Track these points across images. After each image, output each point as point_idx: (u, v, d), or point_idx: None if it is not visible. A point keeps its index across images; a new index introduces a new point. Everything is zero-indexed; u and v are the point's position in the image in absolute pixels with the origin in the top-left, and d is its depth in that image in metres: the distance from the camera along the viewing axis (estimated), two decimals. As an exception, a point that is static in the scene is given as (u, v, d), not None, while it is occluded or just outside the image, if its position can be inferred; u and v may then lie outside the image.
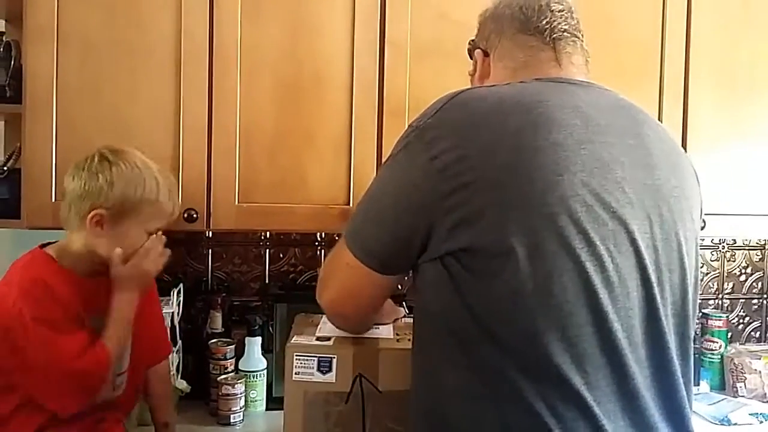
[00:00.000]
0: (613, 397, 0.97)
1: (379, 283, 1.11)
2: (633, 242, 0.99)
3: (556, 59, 1.14)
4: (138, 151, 1.43)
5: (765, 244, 2.44)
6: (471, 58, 1.27)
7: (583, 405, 0.95)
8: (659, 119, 1.87)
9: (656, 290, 1.01)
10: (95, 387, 1.35)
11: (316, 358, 1.32)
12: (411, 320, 1.68)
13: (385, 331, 1.44)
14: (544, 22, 1.14)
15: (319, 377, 1.31)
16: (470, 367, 0.99)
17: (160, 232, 1.44)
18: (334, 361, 1.32)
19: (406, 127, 1.06)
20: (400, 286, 2.06)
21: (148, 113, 1.66)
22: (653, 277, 1.01)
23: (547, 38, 1.14)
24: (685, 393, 1.05)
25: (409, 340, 1.33)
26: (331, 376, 1.31)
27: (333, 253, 1.18)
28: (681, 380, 1.04)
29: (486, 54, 1.20)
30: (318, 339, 1.37)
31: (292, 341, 1.35)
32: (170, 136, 1.67)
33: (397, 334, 1.43)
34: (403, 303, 2.02)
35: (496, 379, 0.97)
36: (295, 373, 1.31)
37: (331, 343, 1.35)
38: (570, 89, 1.07)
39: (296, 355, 1.31)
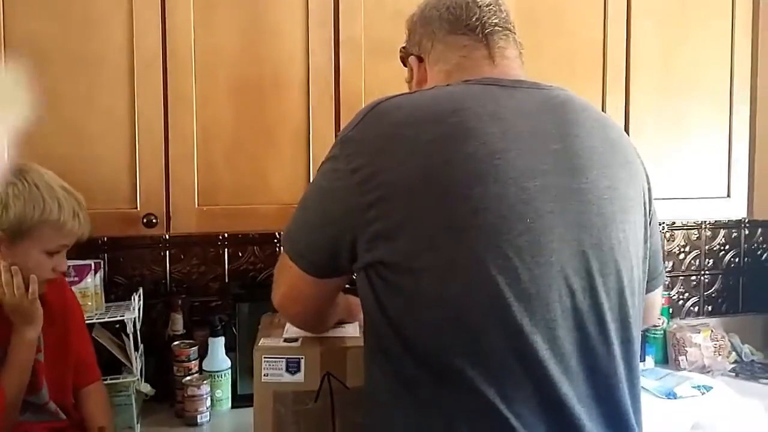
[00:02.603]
0: (536, 409, 0.96)
1: (315, 284, 1.11)
2: (553, 251, 0.97)
3: (490, 56, 1.13)
4: (44, 169, 1.39)
5: (701, 224, 2.57)
6: (405, 65, 1.26)
7: (499, 417, 0.94)
8: (603, 109, 1.93)
9: (582, 298, 0.99)
10: None
11: (284, 360, 1.33)
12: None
13: (351, 329, 1.46)
14: (473, 18, 1.13)
15: (288, 378, 1.33)
16: (394, 375, 1.01)
17: (12, 264, 1.36)
18: (302, 361, 1.33)
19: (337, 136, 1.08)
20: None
21: (104, 121, 1.64)
22: (578, 286, 0.98)
23: (479, 35, 1.13)
24: (628, 399, 1.04)
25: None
26: (299, 376, 1.33)
27: (280, 257, 1.18)
28: (623, 387, 1.03)
29: (420, 59, 1.19)
30: (285, 340, 1.38)
31: (259, 343, 1.36)
32: (126, 143, 1.64)
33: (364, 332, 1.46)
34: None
35: (417, 388, 0.98)
36: (264, 375, 1.32)
37: (298, 344, 1.36)
38: (494, 93, 1.04)
39: (264, 357, 1.33)
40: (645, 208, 1.11)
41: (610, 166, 1.05)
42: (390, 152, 0.97)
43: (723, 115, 2.09)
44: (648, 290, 1.17)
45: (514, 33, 1.17)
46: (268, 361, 1.32)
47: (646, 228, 1.11)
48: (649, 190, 1.15)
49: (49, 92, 1.61)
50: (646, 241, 1.11)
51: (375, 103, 1.04)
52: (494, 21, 1.14)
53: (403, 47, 1.26)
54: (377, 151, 0.98)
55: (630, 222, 1.06)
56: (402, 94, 1.07)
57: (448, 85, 1.09)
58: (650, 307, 1.24)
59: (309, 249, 1.08)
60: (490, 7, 1.14)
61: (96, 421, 1.54)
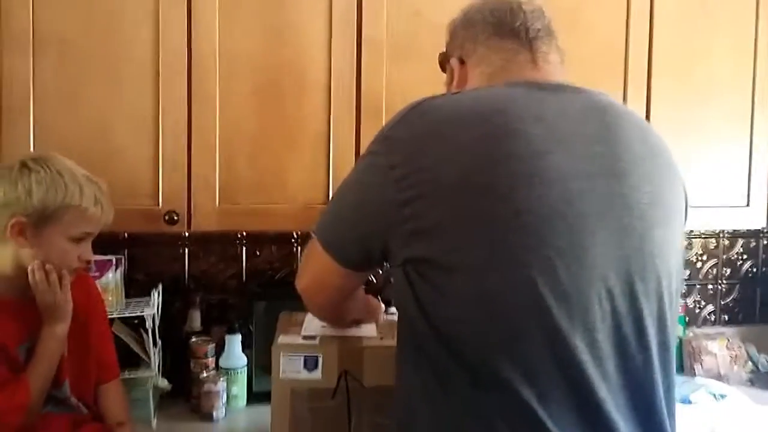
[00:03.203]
0: (573, 412, 0.95)
1: (343, 275, 1.13)
2: (594, 254, 0.96)
3: (533, 60, 1.12)
4: (64, 158, 1.41)
5: (719, 233, 2.55)
6: (443, 70, 1.26)
7: (534, 419, 0.94)
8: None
9: (621, 301, 0.98)
10: (10, 424, 1.32)
11: (302, 357, 1.35)
12: (392, 317, 1.74)
13: (367, 330, 1.47)
14: (518, 23, 1.13)
15: (305, 375, 1.34)
16: (431, 373, 1.01)
17: (49, 265, 1.38)
18: (320, 359, 1.35)
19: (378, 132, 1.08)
20: (375, 280, 2.11)
21: (127, 118, 1.66)
22: (618, 290, 0.98)
23: (523, 39, 1.13)
24: (664, 405, 1.03)
25: (392, 337, 1.38)
26: (317, 374, 1.34)
27: (308, 245, 1.20)
28: (660, 392, 1.02)
29: (462, 62, 1.19)
30: (304, 338, 1.39)
31: (278, 341, 1.37)
32: (150, 141, 1.67)
33: (381, 332, 1.46)
34: (379, 297, 2.07)
35: (453, 387, 0.98)
36: (282, 372, 1.34)
37: (316, 341, 1.37)
38: (538, 95, 1.04)
39: (283, 354, 1.34)
40: (683, 216, 1.12)
41: (651, 172, 1.05)
42: (431, 150, 0.98)
43: (744, 124, 2.08)
44: None
45: (556, 39, 1.17)
46: (286, 358, 1.34)
47: (681, 235, 1.10)
48: (686, 198, 1.14)
49: (75, 88, 1.64)
50: (678, 248, 1.09)
51: (418, 102, 1.04)
52: (538, 26, 1.14)
53: (443, 52, 1.26)
54: (418, 149, 0.99)
55: (670, 228, 1.06)
56: (445, 94, 1.09)
57: (490, 86, 1.10)
58: None
59: (342, 240, 1.10)
60: (534, 13, 1.15)
61: (115, 416, 1.55)
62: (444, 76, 1.28)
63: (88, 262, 1.46)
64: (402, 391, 1.09)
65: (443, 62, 1.26)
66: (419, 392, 1.03)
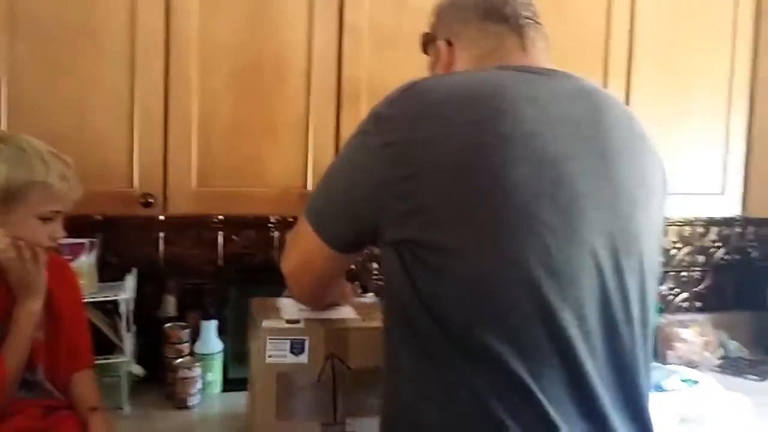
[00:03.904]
0: (562, 385, 0.98)
1: (333, 257, 1.14)
2: (584, 233, 0.99)
3: (522, 45, 1.15)
4: (28, 135, 1.39)
5: (694, 220, 2.58)
6: (425, 52, 1.27)
7: (527, 392, 0.96)
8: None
9: (610, 278, 1.01)
10: None
11: (289, 341, 1.34)
12: (367, 299, 1.74)
13: (346, 312, 1.47)
14: (508, 9, 1.15)
15: (291, 359, 1.34)
16: (422, 350, 1.01)
17: (22, 241, 1.36)
18: (307, 342, 1.34)
19: (367, 112, 1.08)
20: (353, 266, 2.10)
21: (103, 99, 1.63)
22: (607, 267, 1.01)
23: (513, 25, 1.15)
24: (644, 381, 1.07)
25: (374, 319, 1.38)
26: (303, 357, 1.34)
27: (296, 226, 1.21)
28: (641, 368, 1.06)
29: (450, 44, 1.20)
30: (288, 321, 1.39)
31: (263, 325, 1.36)
32: (125, 122, 1.64)
33: (361, 314, 1.46)
34: (356, 283, 2.07)
35: (445, 364, 0.99)
36: (269, 356, 1.33)
37: (301, 325, 1.37)
38: (528, 78, 1.06)
39: (269, 338, 1.33)
40: (663, 198, 1.15)
41: (636, 155, 1.09)
42: (425, 130, 0.99)
43: (720, 112, 2.10)
44: None
45: (543, 26, 1.19)
46: (272, 342, 1.33)
47: (659, 222, 1.14)
48: (665, 181, 1.17)
49: (49, 67, 1.60)
50: (658, 230, 1.13)
51: (410, 83, 1.05)
52: (527, 13, 1.17)
53: (427, 33, 1.26)
54: (412, 129, 1.00)
55: (652, 210, 1.10)
56: (437, 76, 1.11)
57: (482, 69, 1.11)
58: None
59: (334, 221, 1.11)
60: (523, 1, 1.18)
61: (87, 402, 1.52)
62: (425, 58, 1.28)
63: (59, 240, 1.43)
64: (392, 370, 1.09)
65: (426, 43, 1.26)
66: (410, 370, 1.04)
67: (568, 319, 0.98)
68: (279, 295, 1.56)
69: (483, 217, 0.97)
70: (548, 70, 1.11)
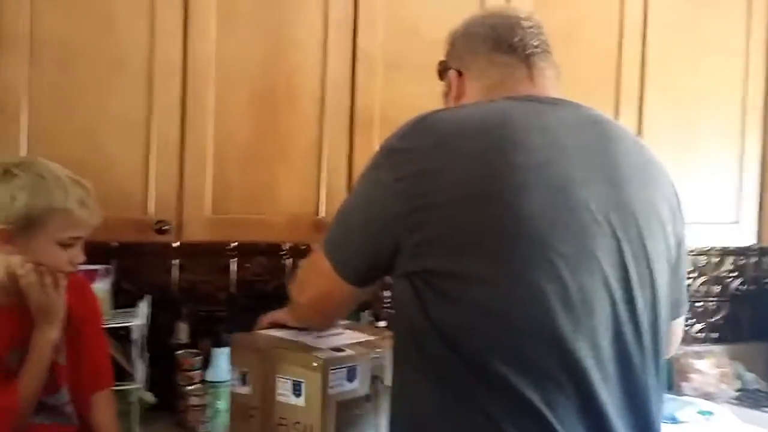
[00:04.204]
0: (577, 415, 0.98)
1: (351, 291, 1.15)
2: (597, 261, 1.00)
3: (530, 75, 1.16)
4: (49, 161, 1.39)
5: (709, 250, 2.56)
6: (441, 79, 1.28)
7: (542, 420, 0.96)
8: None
9: (622, 307, 1.02)
10: None
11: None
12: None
13: (355, 335, 1.45)
14: (516, 39, 1.16)
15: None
16: (436, 377, 1.02)
17: (43, 267, 1.36)
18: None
19: (379, 140, 1.11)
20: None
21: (120, 125, 1.65)
22: (619, 296, 1.01)
23: (521, 55, 1.16)
24: (656, 410, 1.07)
25: (385, 336, 1.38)
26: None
27: (312, 259, 1.23)
28: (653, 398, 1.06)
29: (460, 74, 1.21)
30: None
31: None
32: (141, 148, 1.66)
33: (371, 333, 1.47)
34: (368, 311, 2.07)
35: (460, 390, 1.00)
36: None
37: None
38: (538, 108, 1.08)
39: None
40: (675, 230, 1.13)
41: (647, 183, 1.10)
42: (437, 162, 1.01)
43: (734, 141, 2.11)
44: (673, 317, 1.18)
45: (552, 55, 1.21)
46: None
47: (672, 249, 1.12)
48: (681, 213, 1.17)
49: (65, 92, 1.62)
50: (670, 261, 1.12)
51: (423, 116, 1.06)
52: (535, 42, 1.17)
53: (443, 61, 1.27)
54: (424, 161, 1.01)
55: (663, 239, 1.09)
56: (448, 108, 1.13)
57: (491, 101, 1.12)
58: (672, 336, 1.24)
59: (351, 257, 1.11)
60: (532, 30, 1.18)
61: (105, 429, 1.52)
62: (438, 86, 1.29)
63: (79, 264, 1.43)
64: (404, 396, 1.09)
65: (442, 71, 1.27)
66: (424, 396, 1.03)
67: (583, 348, 0.98)
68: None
69: (497, 246, 0.98)
70: (556, 99, 1.13)
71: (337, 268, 1.11)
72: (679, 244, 1.15)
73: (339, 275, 1.12)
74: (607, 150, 1.07)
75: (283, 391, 1.29)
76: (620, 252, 1.02)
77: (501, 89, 1.15)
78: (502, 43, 1.17)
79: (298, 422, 1.29)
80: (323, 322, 1.38)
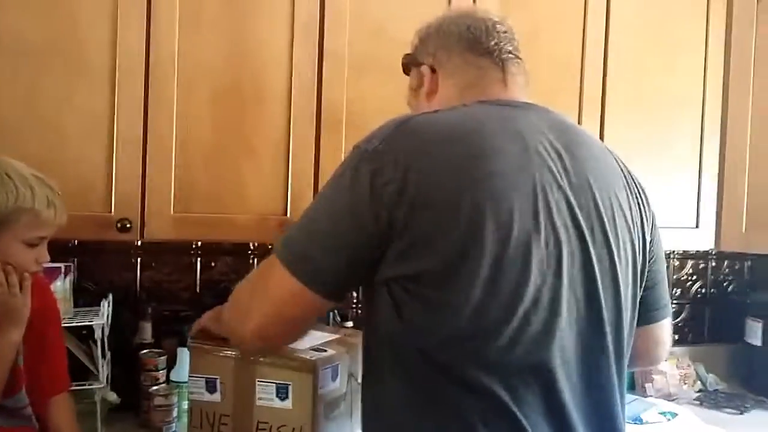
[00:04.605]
0: (541, 411, 1.01)
1: (320, 306, 1.06)
2: (564, 264, 1.02)
3: (503, 80, 1.17)
4: (14, 160, 1.37)
5: (670, 254, 2.59)
6: (406, 73, 1.28)
7: (514, 419, 0.99)
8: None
9: (587, 309, 1.04)
10: None
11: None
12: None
13: (320, 334, 1.45)
14: (492, 43, 1.17)
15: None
16: (410, 381, 1.02)
17: (9, 266, 1.34)
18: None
19: (352, 147, 1.05)
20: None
21: (82, 122, 1.63)
22: (584, 297, 1.04)
23: (497, 59, 1.17)
24: (620, 410, 1.09)
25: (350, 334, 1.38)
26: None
27: (256, 279, 1.12)
28: (617, 397, 1.09)
29: (433, 71, 1.20)
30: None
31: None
32: (104, 146, 1.64)
33: (337, 331, 1.47)
34: (334, 312, 2.07)
35: (434, 393, 1.01)
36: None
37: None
38: (511, 113, 1.09)
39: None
40: (642, 232, 1.16)
41: (613, 188, 1.12)
42: (420, 169, 0.98)
43: (694, 146, 2.14)
44: (653, 320, 1.23)
45: (523, 62, 1.22)
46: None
47: (640, 252, 1.15)
48: (651, 216, 1.20)
49: (27, 89, 1.60)
50: (636, 265, 1.14)
51: (403, 120, 1.05)
52: (509, 48, 1.19)
53: (409, 54, 1.27)
54: (406, 168, 0.98)
55: (629, 242, 1.12)
56: (428, 114, 1.09)
57: (464, 105, 1.12)
58: (658, 341, 1.28)
59: (326, 269, 1.02)
60: (506, 35, 1.19)
61: (64, 429, 1.50)
62: (404, 84, 1.29)
63: (45, 264, 1.41)
64: (377, 397, 1.08)
65: (407, 64, 1.27)
66: (400, 397, 1.04)
67: (553, 351, 1.00)
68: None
69: (476, 252, 0.97)
70: (527, 104, 1.15)
71: (306, 281, 1.01)
72: (650, 247, 1.17)
73: (310, 289, 1.01)
74: (576, 155, 1.09)
75: (264, 395, 1.27)
76: (587, 253, 1.04)
77: (475, 90, 1.16)
78: (478, 45, 1.17)
79: (283, 425, 1.28)
80: (280, 345, 1.24)
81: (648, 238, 1.17)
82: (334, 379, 1.30)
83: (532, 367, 1.00)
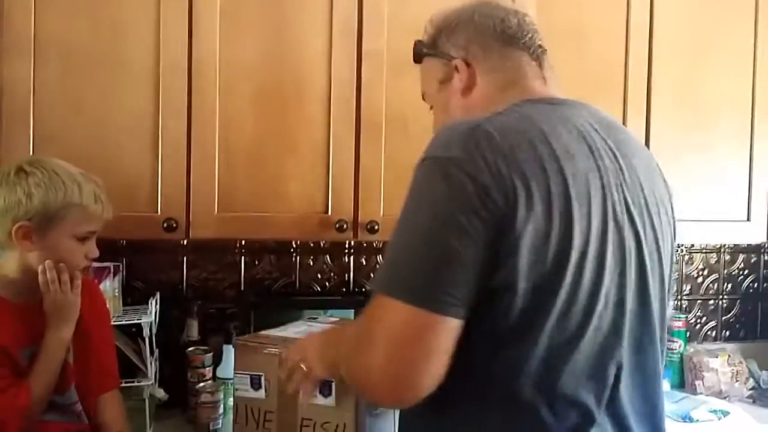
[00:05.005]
0: (609, 413, 1.02)
1: (453, 329, 0.93)
2: (627, 262, 1.02)
3: (542, 76, 1.14)
4: (59, 160, 1.41)
5: (720, 247, 2.54)
6: (418, 62, 1.24)
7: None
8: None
9: (639, 306, 1.05)
10: (9, 429, 1.32)
11: None
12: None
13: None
14: (528, 37, 1.14)
15: None
16: (469, 392, 1.00)
17: (62, 264, 1.38)
18: None
19: (424, 159, 0.97)
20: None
21: (128, 124, 1.67)
22: (637, 294, 1.04)
23: (534, 53, 1.14)
24: (663, 401, 1.11)
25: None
26: None
27: (370, 323, 0.97)
28: (661, 390, 1.11)
29: (468, 64, 1.15)
30: None
31: None
32: (149, 147, 1.68)
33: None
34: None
35: (482, 408, 1.00)
36: None
37: None
38: (565, 112, 1.07)
39: None
40: (673, 227, 1.16)
41: (656, 184, 1.12)
42: (511, 173, 0.93)
43: (744, 138, 2.10)
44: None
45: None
46: None
47: (673, 247, 1.16)
48: (674, 211, 1.20)
49: (75, 93, 1.65)
50: (672, 261, 1.15)
51: (472, 126, 0.98)
52: (540, 42, 1.16)
53: (426, 43, 1.23)
54: (498, 172, 0.93)
55: (669, 239, 1.13)
56: (494, 118, 1.02)
57: (517, 105, 1.07)
58: None
59: (450, 288, 0.92)
60: (535, 27, 1.17)
61: (114, 425, 1.54)
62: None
63: (94, 258, 1.45)
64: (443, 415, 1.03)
65: (426, 55, 1.23)
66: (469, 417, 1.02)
67: (620, 350, 1.01)
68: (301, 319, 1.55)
69: (567, 258, 0.95)
70: (572, 101, 1.11)
71: (429, 305, 0.91)
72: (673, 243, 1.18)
73: (435, 313, 0.91)
74: (624, 152, 1.07)
75: None
76: (641, 251, 1.05)
77: (517, 87, 1.12)
78: (515, 39, 1.14)
79: (327, 422, 1.28)
80: (424, 390, 0.96)
81: (676, 236, 1.18)
82: None
83: (603, 367, 1.00)
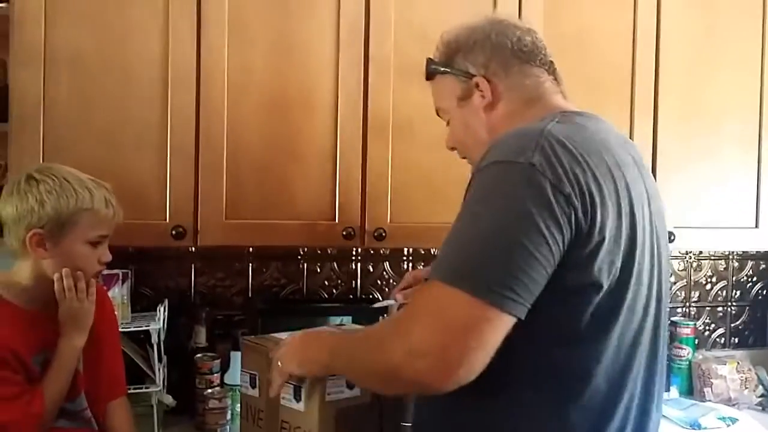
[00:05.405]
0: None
1: (506, 325, 0.94)
2: (654, 271, 1.09)
3: (560, 91, 1.19)
4: (67, 166, 1.42)
5: (729, 254, 2.53)
6: (430, 79, 1.26)
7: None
8: (631, 136, 1.96)
9: (655, 314, 1.11)
10: None
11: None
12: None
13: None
14: (543, 54, 1.18)
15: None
16: (533, 384, 1.04)
17: (79, 273, 1.39)
18: None
19: (497, 162, 0.98)
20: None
21: (136, 132, 1.69)
22: (655, 302, 1.11)
23: (550, 70, 1.19)
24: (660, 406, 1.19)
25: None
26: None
27: (431, 305, 0.96)
28: (660, 396, 1.18)
29: (489, 81, 1.17)
30: None
31: None
32: (157, 155, 1.70)
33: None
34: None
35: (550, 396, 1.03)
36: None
37: None
38: (596, 125, 1.09)
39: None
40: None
41: (658, 195, 1.17)
42: (587, 180, 0.97)
43: (752, 145, 2.09)
44: None
45: None
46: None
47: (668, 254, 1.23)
48: None
49: (84, 102, 1.66)
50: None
51: (539, 131, 1.00)
52: (551, 59, 1.20)
53: (441, 61, 1.23)
54: (575, 178, 0.96)
55: (666, 246, 1.18)
56: (549, 126, 1.03)
57: (555, 117, 1.07)
58: None
59: (517, 286, 0.92)
60: (545, 46, 1.21)
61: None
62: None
63: (107, 262, 1.46)
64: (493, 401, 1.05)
65: (442, 72, 1.24)
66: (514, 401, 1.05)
67: (638, 355, 1.08)
68: (310, 326, 1.55)
69: (629, 262, 1.02)
70: (594, 115, 1.14)
71: (496, 301, 0.91)
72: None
73: (498, 308, 0.91)
74: (638, 165, 1.13)
75: (286, 394, 1.28)
76: (660, 258, 1.12)
77: (540, 103, 1.15)
78: (533, 56, 1.18)
79: (298, 427, 1.28)
80: (464, 379, 0.94)
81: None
82: (351, 387, 1.28)
83: (654, 357, 1.11)
